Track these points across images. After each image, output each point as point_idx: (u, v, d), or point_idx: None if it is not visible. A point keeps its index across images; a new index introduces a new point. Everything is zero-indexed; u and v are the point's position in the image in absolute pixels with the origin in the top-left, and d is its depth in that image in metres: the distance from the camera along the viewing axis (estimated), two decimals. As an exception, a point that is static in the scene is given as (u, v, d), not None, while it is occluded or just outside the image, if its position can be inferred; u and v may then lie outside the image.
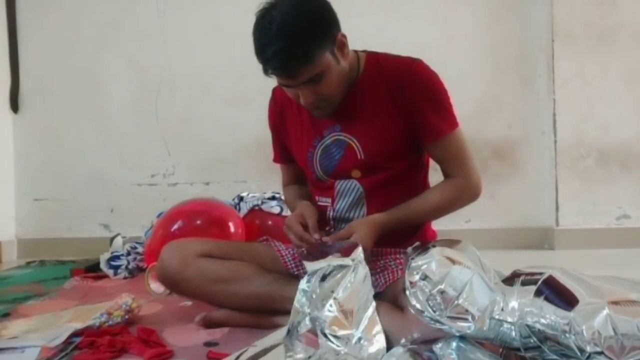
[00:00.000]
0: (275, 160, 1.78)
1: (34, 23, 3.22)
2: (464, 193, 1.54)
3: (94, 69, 3.21)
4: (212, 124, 3.16)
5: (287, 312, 1.46)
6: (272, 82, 1.47)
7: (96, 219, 3.19)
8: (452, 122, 1.52)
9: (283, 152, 1.73)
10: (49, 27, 3.23)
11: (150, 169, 3.20)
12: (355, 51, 1.55)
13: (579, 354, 0.78)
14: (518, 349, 0.89)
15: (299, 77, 1.37)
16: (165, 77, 3.18)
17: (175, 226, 2.21)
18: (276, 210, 2.46)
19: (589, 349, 0.77)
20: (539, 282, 0.86)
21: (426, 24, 3.11)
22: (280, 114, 1.66)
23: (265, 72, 1.39)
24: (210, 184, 3.15)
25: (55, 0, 3.22)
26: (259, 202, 2.49)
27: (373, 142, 1.51)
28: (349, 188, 1.55)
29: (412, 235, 1.54)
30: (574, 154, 3.03)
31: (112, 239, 2.74)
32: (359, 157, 1.52)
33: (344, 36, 1.45)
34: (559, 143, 3.03)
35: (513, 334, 0.86)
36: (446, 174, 1.55)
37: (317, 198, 1.65)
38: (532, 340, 0.85)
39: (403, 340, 1.08)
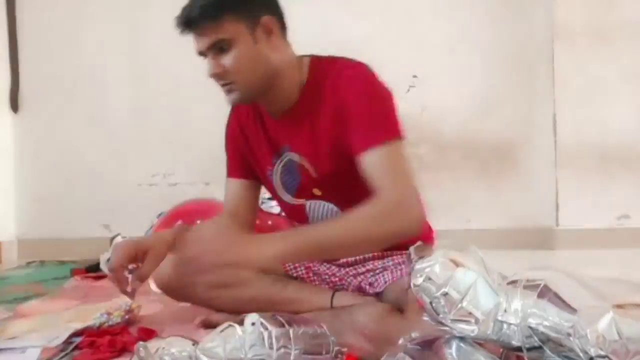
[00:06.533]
0: (231, 174, 1.60)
1: (34, 23, 3.22)
2: (393, 210, 1.24)
3: (94, 69, 3.21)
4: (212, 124, 3.14)
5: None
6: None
7: (96, 219, 3.18)
8: (385, 132, 1.31)
9: (243, 165, 1.58)
10: (49, 27, 3.22)
11: (150, 169, 3.20)
12: (300, 57, 1.43)
13: (582, 356, 0.78)
14: (519, 349, 0.89)
15: (203, 34, 1.34)
16: (166, 76, 3.18)
17: (176, 226, 2.20)
18: (276, 210, 2.45)
19: (592, 352, 0.77)
20: (542, 284, 0.85)
21: (426, 24, 3.10)
22: (242, 130, 1.57)
23: (178, 25, 1.37)
24: (210, 184, 3.15)
25: (55, 1, 3.22)
26: (259, 202, 2.48)
27: (322, 161, 1.40)
28: (324, 211, 1.47)
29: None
30: (574, 154, 3.03)
31: (112, 239, 2.73)
32: (313, 175, 1.44)
33: (274, 24, 1.37)
34: (559, 143, 3.03)
35: (515, 335, 0.86)
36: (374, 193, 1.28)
37: (294, 224, 1.60)
38: (534, 340, 0.85)
39: (401, 340, 1.08)
